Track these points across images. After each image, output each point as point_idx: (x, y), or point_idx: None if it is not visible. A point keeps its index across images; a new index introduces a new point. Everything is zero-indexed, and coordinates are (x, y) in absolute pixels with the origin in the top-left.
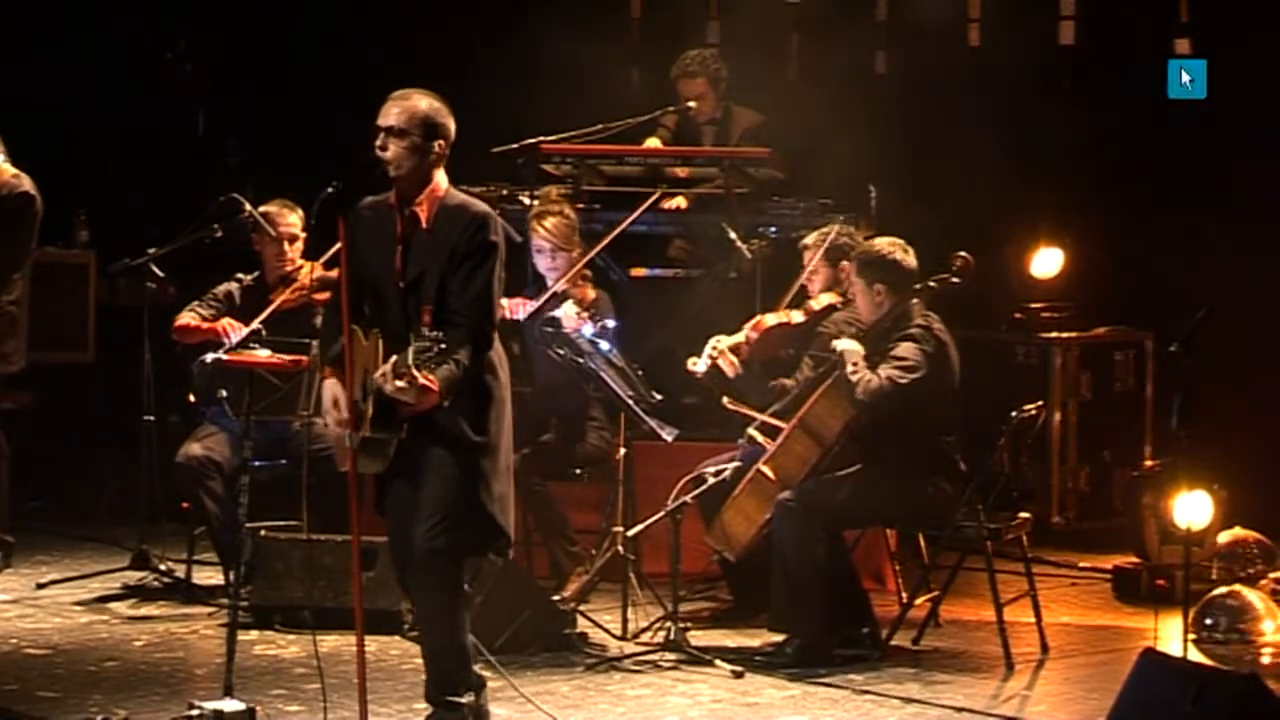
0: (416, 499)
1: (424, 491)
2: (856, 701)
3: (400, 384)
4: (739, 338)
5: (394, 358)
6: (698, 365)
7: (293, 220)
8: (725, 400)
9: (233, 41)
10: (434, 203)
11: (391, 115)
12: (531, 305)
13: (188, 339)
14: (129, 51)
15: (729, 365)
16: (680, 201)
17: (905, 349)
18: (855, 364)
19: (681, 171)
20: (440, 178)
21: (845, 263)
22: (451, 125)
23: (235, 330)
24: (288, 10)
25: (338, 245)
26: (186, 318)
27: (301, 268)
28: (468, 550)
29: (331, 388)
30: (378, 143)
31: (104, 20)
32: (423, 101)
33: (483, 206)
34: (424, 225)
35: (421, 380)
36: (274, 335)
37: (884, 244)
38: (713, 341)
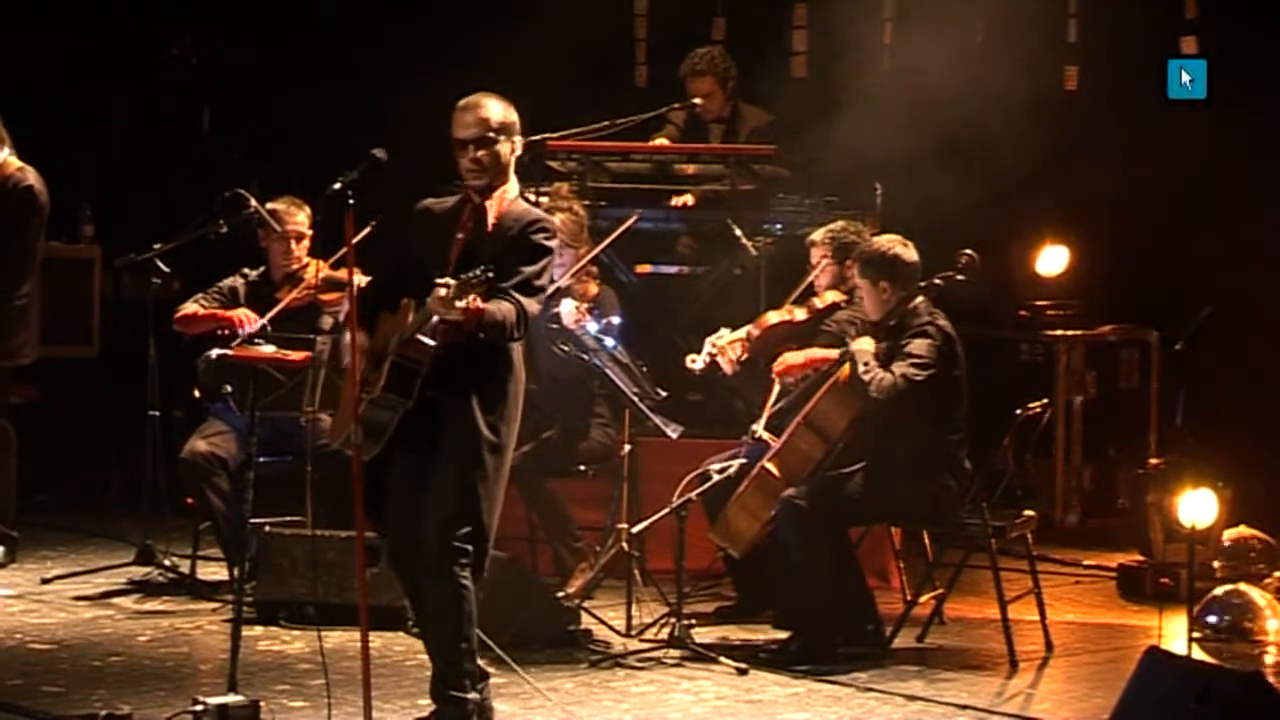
0: (425, 491)
1: (437, 485)
2: (860, 699)
3: (433, 306)
4: (740, 334)
5: (439, 290)
6: (696, 363)
7: (300, 218)
8: (754, 427)
9: (237, 36)
10: (501, 204)
11: (470, 126)
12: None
13: (192, 328)
14: (134, 46)
15: (728, 364)
16: (688, 199)
17: (919, 345)
18: (867, 363)
19: (688, 169)
20: (513, 180)
21: (851, 260)
22: (518, 120)
23: (251, 322)
24: (292, 6)
25: (346, 248)
26: (191, 307)
27: (308, 266)
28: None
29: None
30: (468, 156)
31: (108, 14)
32: (493, 105)
33: (543, 213)
34: (488, 226)
35: (459, 307)
36: (279, 334)
37: (884, 241)
38: (712, 339)
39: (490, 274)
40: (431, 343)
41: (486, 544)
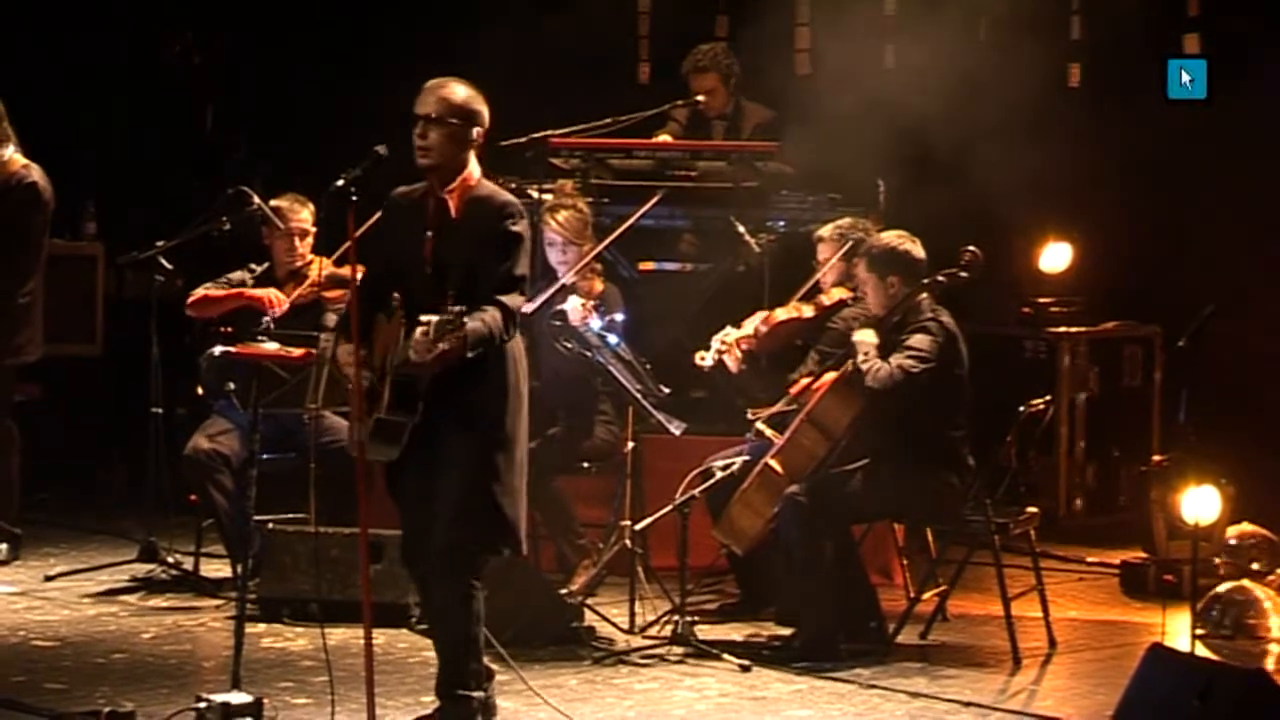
0: (434, 491)
1: (442, 486)
2: (863, 696)
3: (415, 355)
4: (747, 330)
5: (415, 331)
6: (705, 360)
7: (304, 216)
8: (750, 414)
9: (240, 34)
10: (465, 192)
11: (430, 104)
12: (537, 299)
13: (209, 311)
14: (136, 44)
15: (734, 361)
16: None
17: (919, 340)
18: (866, 353)
19: (691, 170)
20: (474, 166)
21: (858, 258)
22: (486, 112)
23: (280, 304)
24: (292, 5)
25: (348, 243)
26: (201, 291)
27: (312, 263)
28: (482, 546)
29: (345, 351)
30: (417, 131)
31: (110, 13)
32: (459, 89)
33: (509, 196)
34: (453, 215)
35: (441, 349)
36: (283, 330)
37: (891, 237)
38: (720, 335)
39: (465, 317)
40: (425, 370)
41: (511, 535)
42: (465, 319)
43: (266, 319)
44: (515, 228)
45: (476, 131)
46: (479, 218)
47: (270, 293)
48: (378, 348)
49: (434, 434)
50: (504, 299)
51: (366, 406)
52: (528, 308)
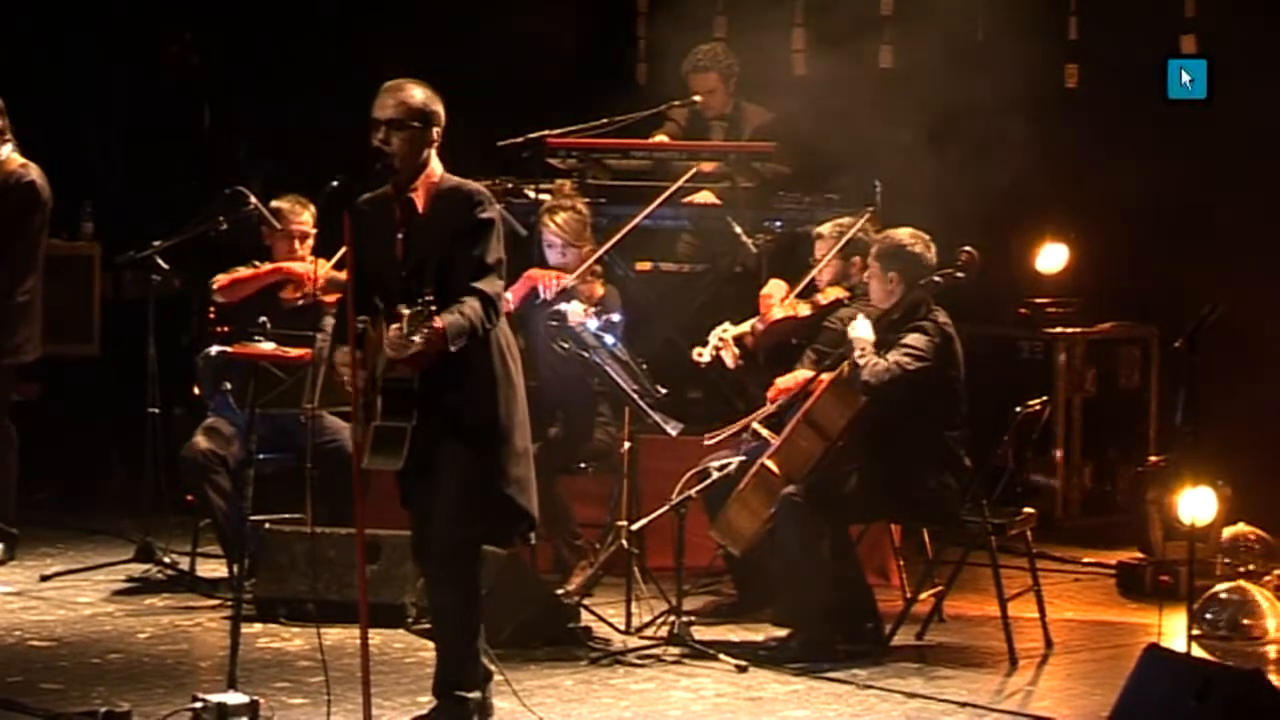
0: (433, 495)
1: (439, 488)
2: (860, 696)
3: (392, 351)
4: (744, 328)
5: (391, 329)
6: (703, 355)
7: (305, 218)
8: (705, 438)
9: (239, 34)
10: (429, 188)
11: (389, 108)
12: (564, 280)
13: (241, 292)
14: (135, 43)
15: (731, 357)
16: (709, 197)
17: (914, 339)
18: (863, 349)
19: (707, 166)
20: (435, 163)
21: (858, 258)
22: (442, 110)
23: (317, 278)
24: (293, 4)
25: (345, 247)
26: (230, 275)
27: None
28: (492, 539)
29: (341, 354)
30: (379, 136)
31: (110, 12)
32: (416, 91)
33: (475, 185)
34: (420, 211)
35: (417, 342)
36: (280, 331)
37: (907, 234)
38: (718, 331)
39: (433, 304)
40: (408, 367)
41: (527, 522)
42: (434, 309)
43: (263, 320)
44: (485, 214)
45: (436, 131)
46: (448, 210)
47: (305, 267)
48: (367, 356)
49: (430, 437)
50: (481, 285)
51: (363, 415)
52: (551, 292)
